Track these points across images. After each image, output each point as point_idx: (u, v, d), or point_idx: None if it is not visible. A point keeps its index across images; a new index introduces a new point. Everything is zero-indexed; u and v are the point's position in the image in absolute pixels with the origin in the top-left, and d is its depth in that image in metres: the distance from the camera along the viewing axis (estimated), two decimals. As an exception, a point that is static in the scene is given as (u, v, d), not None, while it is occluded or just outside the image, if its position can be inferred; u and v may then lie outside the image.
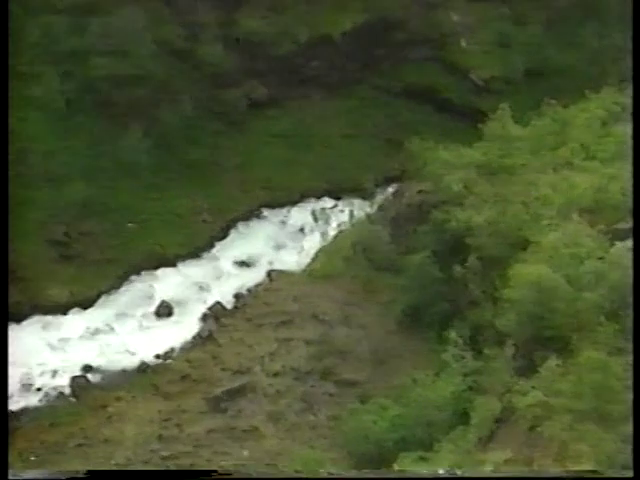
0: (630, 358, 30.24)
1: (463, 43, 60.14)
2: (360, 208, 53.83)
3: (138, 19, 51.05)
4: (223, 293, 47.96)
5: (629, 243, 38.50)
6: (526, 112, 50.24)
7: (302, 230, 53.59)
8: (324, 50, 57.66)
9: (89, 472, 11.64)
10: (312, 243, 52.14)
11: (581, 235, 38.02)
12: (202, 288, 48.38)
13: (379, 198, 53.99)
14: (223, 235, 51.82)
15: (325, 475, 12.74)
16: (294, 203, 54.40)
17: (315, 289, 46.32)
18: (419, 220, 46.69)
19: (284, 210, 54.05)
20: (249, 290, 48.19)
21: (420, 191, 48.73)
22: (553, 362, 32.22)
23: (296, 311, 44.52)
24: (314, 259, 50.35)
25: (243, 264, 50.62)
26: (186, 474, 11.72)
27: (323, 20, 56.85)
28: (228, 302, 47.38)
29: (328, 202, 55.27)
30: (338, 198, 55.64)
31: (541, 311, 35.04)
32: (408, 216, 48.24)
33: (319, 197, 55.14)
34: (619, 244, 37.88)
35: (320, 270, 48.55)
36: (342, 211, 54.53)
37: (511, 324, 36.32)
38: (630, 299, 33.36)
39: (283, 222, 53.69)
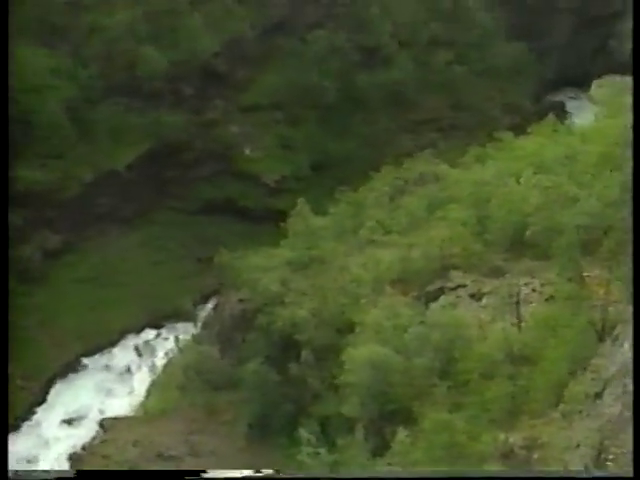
0: (468, 412, 31.26)
1: (248, 151, 62.41)
2: (184, 331, 52.64)
3: None
4: (55, 459, 44.07)
5: (441, 302, 40.76)
6: (322, 202, 52.57)
7: (129, 369, 51.27)
8: (113, 185, 57.15)
9: (78, 472, 10.48)
10: (142, 380, 49.87)
11: (398, 305, 39.58)
12: (30, 461, 44.18)
13: (201, 316, 53.21)
14: (43, 397, 48.23)
15: (325, 475, 11.92)
16: (114, 344, 52.14)
17: (155, 427, 43.90)
18: (245, 328, 46.30)
19: (105, 354, 51.58)
20: (84, 447, 44.66)
21: (240, 300, 48.58)
22: (402, 434, 32.51)
23: (138, 455, 41.73)
24: (147, 396, 48.02)
25: (71, 422, 47.14)
26: (173, 474, 10.63)
27: (105, 156, 56.57)
28: (63, 467, 43.44)
29: (150, 333, 53.68)
30: (160, 327, 54.21)
31: (380, 387, 35.59)
32: (234, 327, 47.74)
33: (139, 331, 53.44)
34: (433, 305, 39.90)
35: (156, 406, 46.29)
36: (166, 339, 53.05)
37: (356, 408, 36.48)
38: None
39: (107, 366, 51.11)
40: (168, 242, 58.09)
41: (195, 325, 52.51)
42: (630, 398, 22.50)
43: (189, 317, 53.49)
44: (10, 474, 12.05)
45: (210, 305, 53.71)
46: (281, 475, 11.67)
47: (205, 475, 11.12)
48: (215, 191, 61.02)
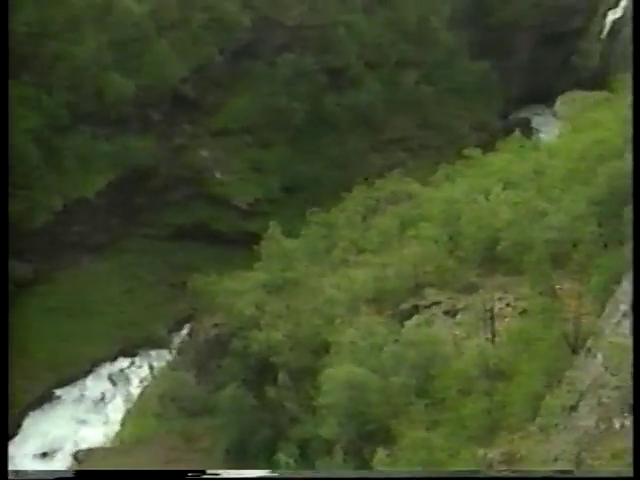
0: (446, 429, 31.23)
1: (219, 175, 62.37)
2: (159, 359, 52.14)
3: None
4: (30, 494, 43.03)
5: (416, 320, 40.84)
6: (294, 224, 52.60)
7: (103, 399, 50.54)
8: (84, 213, 56.69)
9: (76, 472, 10.80)
10: (117, 409, 49.18)
11: (373, 324, 39.58)
12: (3, 496, 43.06)
13: (176, 343, 52.77)
14: (14, 431, 47.25)
15: (325, 475, 11.84)
16: (87, 373, 51.40)
17: (131, 457, 43.17)
18: (221, 353, 45.92)
19: (78, 384, 50.80)
20: (58, 481, 43.72)
21: (215, 324, 48.23)
22: (382, 454, 32.34)
23: (115, 487, 40.92)
24: (123, 425, 47.31)
25: (44, 455, 46.23)
26: (173, 474, 10.61)
27: (74, 184, 56.12)
28: (38, 502, 42.50)
29: (124, 362, 53.07)
30: (134, 355, 53.64)
31: (357, 407, 35.43)
32: (209, 353, 47.35)
33: (113, 360, 52.80)
34: (408, 323, 39.96)
35: (132, 435, 45.61)
36: (141, 367, 52.48)
37: (334, 429, 36.24)
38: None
39: (80, 396, 50.34)
40: (140, 269, 57.64)
41: (170, 352, 52.04)
42: (605, 410, 22.69)
43: (163, 344, 53.03)
44: (10, 474, 12.00)
45: (184, 331, 53.29)
46: (285, 475, 11.63)
47: (206, 475, 11.12)
48: (186, 216, 60.81)
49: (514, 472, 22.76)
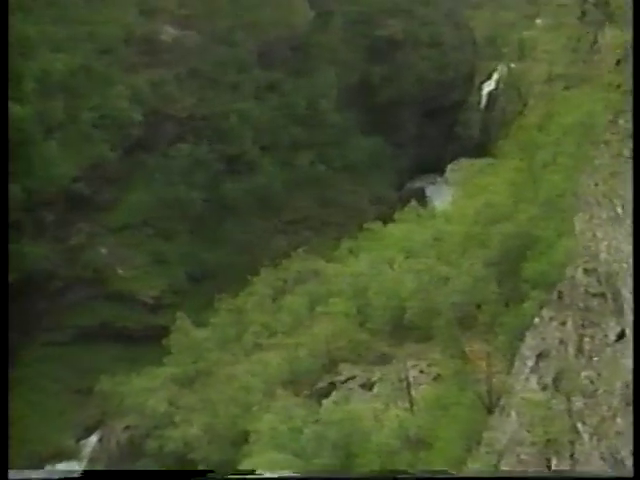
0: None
1: (120, 271, 60.92)
2: (68, 471, 48.97)
3: None
4: None
5: (333, 397, 40.37)
6: (203, 313, 51.77)
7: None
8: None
9: (84, 472, 10.68)
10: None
11: (291, 407, 38.79)
12: None
13: (86, 452, 49.90)
14: None
15: (326, 475, 10.93)
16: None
17: None
18: (135, 456, 43.76)
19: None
20: None
21: (126, 427, 46.16)
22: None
23: None
24: None
25: None
26: (180, 474, 10.40)
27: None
28: None
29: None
30: (40, 468, 50.18)
31: (282, 497, 34.18)
32: (122, 458, 45.06)
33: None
34: (325, 401, 39.40)
35: None
36: (49, 483, 49.07)
37: (259, 523, 34.71)
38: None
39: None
40: (42, 379, 54.70)
41: (79, 462, 49.09)
42: (524, 467, 22.69)
43: (72, 455, 50.03)
44: (10, 475, 11.02)
45: (94, 438, 50.57)
46: (290, 475, 11.03)
47: (212, 475, 10.71)
48: (89, 317, 58.72)
49: (514, 472, 22.20)
